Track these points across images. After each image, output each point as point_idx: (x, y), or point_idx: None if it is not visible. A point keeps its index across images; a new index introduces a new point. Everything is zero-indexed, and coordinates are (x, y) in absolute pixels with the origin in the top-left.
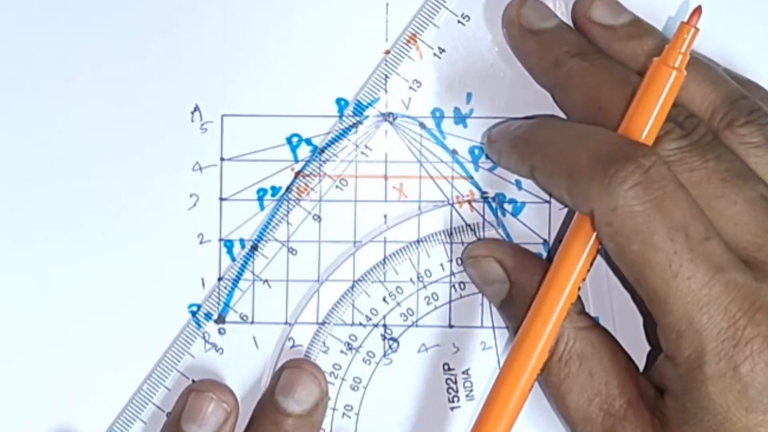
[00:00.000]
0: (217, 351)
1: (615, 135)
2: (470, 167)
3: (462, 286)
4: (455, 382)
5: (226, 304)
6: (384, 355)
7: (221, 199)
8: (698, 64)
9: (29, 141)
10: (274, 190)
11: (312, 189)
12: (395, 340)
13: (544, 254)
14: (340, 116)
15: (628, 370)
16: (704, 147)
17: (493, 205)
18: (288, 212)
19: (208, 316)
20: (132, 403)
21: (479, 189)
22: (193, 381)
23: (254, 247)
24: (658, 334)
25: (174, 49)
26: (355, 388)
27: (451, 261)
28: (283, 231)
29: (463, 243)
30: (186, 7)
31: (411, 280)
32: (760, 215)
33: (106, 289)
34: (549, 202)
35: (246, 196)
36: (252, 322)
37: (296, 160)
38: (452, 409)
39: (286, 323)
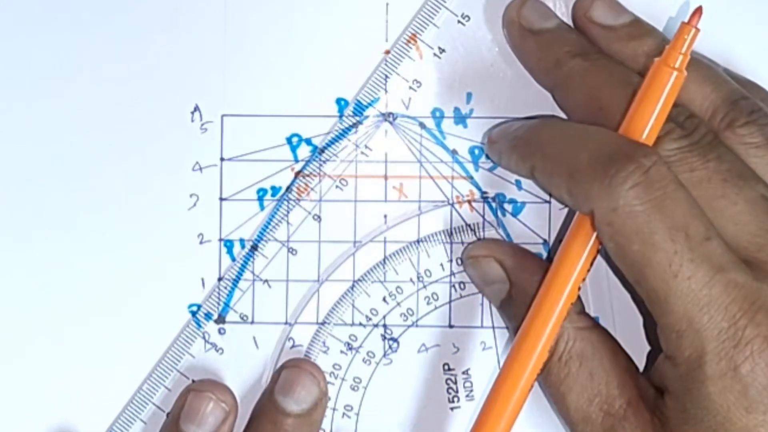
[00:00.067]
0: (217, 351)
1: (615, 135)
2: (470, 167)
3: (462, 286)
4: (455, 382)
5: (226, 304)
6: (384, 355)
7: (221, 199)
8: (698, 64)
9: (29, 141)
10: (274, 190)
11: (312, 189)
12: (395, 340)
13: (544, 254)
14: (340, 116)
15: (628, 370)
16: (705, 147)
17: (493, 205)
18: (288, 212)
19: (208, 316)
20: (132, 403)
21: (479, 189)
22: (193, 381)
23: (254, 247)
24: (658, 334)
25: (174, 49)
26: (355, 388)
27: (451, 261)
28: (283, 231)
29: (463, 243)
30: (186, 7)
31: (411, 280)
32: (760, 215)
33: (106, 289)
34: (549, 202)
35: (246, 196)
36: (252, 322)
37: (296, 160)
38: (452, 409)
39: (286, 323)
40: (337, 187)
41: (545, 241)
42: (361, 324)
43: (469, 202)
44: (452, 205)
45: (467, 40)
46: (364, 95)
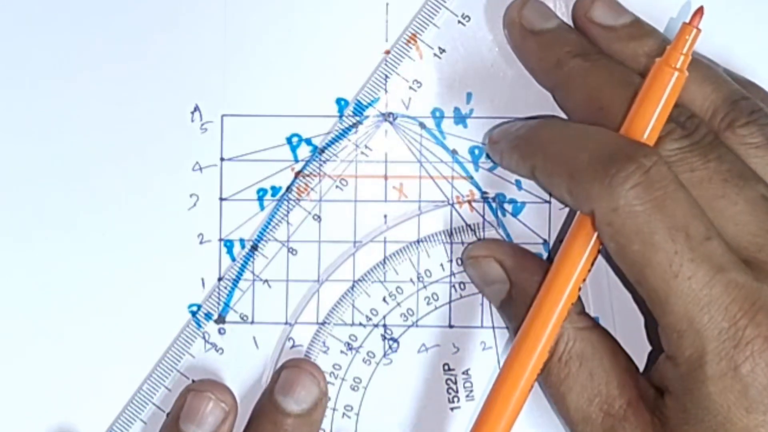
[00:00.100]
0: (217, 351)
1: (616, 135)
2: (470, 167)
3: (462, 286)
4: (455, 383)
5: (226, 304)
6: (384, 355)
7: (221, 199)
8: (699, 64)
9: (29, 141)
10: (274, 190)
11: (312, 189)
12: (395, 340)
13: (544, 254)
14: (340, 116)
15: (628, 371)
16: (705, 147)
17: (493, 205)
18: (288, 212)
19: (208, 316)
20: (132, 403)
21: (479, 189)
22: (193, 381)
23: (254, 247)
24: (659, 334)
25: (174, 49)
26: (355, 388)
27: (451, 261)
28: (283, 231)
29: (463, 243)
30: (186, 7)
31: (411, 280)
32: (760, 215)
33: (106, 289)
34: (549, 202)
35: (246, 196)
36: (252, 322)
37: (296, 160)
38: (452, 409)
39: (286, 323)
40: (337, 187)
41: (545, 241)
42: (361, 324)
43: (469, 202)
44: (452, 205)
45: (467, 41)
46: (364, 95)
